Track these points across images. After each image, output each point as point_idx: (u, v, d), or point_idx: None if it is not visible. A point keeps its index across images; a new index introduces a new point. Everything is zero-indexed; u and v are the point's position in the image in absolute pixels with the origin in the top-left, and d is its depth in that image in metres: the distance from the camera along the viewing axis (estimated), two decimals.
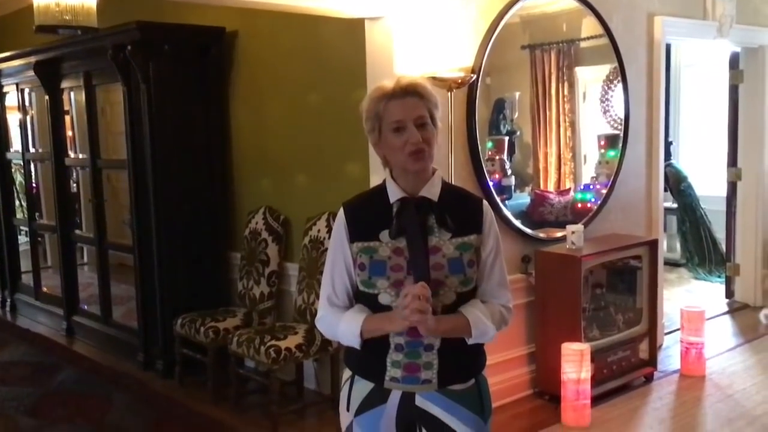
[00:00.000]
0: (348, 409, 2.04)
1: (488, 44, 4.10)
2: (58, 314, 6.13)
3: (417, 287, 1.83)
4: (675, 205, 7.66)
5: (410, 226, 1.92)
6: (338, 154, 4.29)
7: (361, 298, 1.99)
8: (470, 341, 1.95)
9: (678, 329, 4.94)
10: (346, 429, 2.06)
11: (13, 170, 6.92)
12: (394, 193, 1.96)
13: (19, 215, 6.88)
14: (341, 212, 2.02)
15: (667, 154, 7.42)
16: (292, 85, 4.56)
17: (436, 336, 1.92)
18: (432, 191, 1.96)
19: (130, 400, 4.54)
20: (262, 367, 4.23)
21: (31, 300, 6.66)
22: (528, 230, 4.40)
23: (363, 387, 2.01)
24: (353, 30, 3.98)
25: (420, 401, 1.97)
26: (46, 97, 5.88)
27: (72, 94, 5.93)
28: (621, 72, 4.86)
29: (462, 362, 1.99)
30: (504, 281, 2.04)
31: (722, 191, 6.62)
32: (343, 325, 1.98)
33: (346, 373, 2.07)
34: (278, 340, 4.02)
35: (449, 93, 3.80)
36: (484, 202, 2.04)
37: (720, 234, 7.07)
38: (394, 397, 1.97)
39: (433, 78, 3.62)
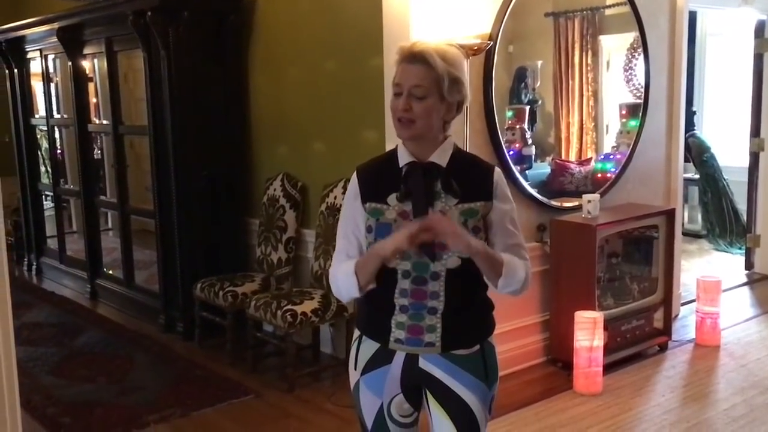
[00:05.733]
0: (355, 368, 2.09)
1: (506, 11, 4.07)
2: (83, 277, 6.26)
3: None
4: (697, 176, 7.59)
5: (416, 190, 1.94)
6: (355, 121, 4.30)
7: None
8: (499, 284, 1.93)
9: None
10: (354, 387, 2.11)
11: (38, 136, 7.02)
12: (404, 158, 1.98)
13: (44, 180, 6.99)
14: (354, 175, 2.06)
15: (691, 124, 7.34)
16: (309, 51, 4.56)
17: (468, 253, 1.86)
18: (442, 157, 1.97)
19: (151, 360, 4.65)
20: (279, 330, 4.31)
21: (56, 264, 6.80)
22: (543, 198, 4.39)
23: (369, 347, 2.05)
24: None
25: (423, 363, 2.00)
26: (69, 63, 5.96)
27: (95, 60, 5.99)
28: (642, 40, 4.81)
29: (466, 328, 2.01)
30: (523, 245, 2.03)
31: (745, 162, 6.55)
32: (341, 271, 2.00)
33: (355, 333, 2.11)
34: (294, 304, 4.09)
35: (466, 60, 3.79)
36: (496, 169, 2.02)
37: (742, 205, 7.01)
38: (399, 358, 2.01)
39: (449, 45, 3.61)
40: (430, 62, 1.88)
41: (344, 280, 1.99)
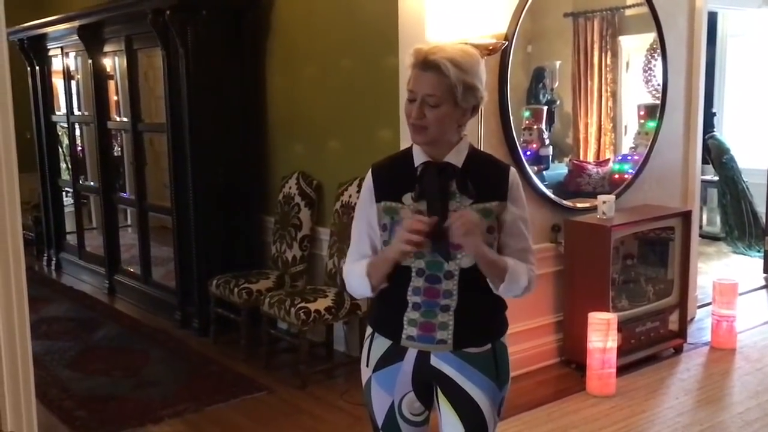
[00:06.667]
0: (367, 365, 2.10)
1: (522, 10, 4.07)
2: (101, 273, 6.33)
3: (423, 218, 1.87)
4: (716, 178, 7.52)
5: (431, 189, 1.94)
6: (370, 120, 4.32)
7: None
8: (500, 288, 1.96)
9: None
10: (365, 384, 2.12)
11: (59, 133, 7.09)
12: (419, 157, 1.99)
13: (64, 177, 7.06)
14: (369, 173, 2.07)
15: (710, 126, 7.28)
16: (325, 50, 4.59)
17: (474, 255, 1.90)
18: (457, 157, 1.97)
19: (166, 356, 4.70)
20: (292, 328, 4.34)
21: (75, 259, 6.88)
22: (557, 198, 4.38)
23: (381, 344, 2.06)
24: None
25: (435, 361, 2.00)
26: (90, 61, 6.02)
27: (115, 58, 6.05)
28: (660, 40, 4.78)
29: (478, 326, 2.02)
30: (530, 249, 2.05)
31: (765, 164, 6.49)
32: (355, 273, 2.04)
33: (368, 330, 2.12)
34: (308, 302, 4.11)
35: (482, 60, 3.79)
36: (512, 169, 2.03)
37: (761, 208, 6.94)
38: (410, 355, 2.02)
39: (464, 44, 3.61)
40: (444, 71, 1.86)
41: (357, 281, 2.04)
